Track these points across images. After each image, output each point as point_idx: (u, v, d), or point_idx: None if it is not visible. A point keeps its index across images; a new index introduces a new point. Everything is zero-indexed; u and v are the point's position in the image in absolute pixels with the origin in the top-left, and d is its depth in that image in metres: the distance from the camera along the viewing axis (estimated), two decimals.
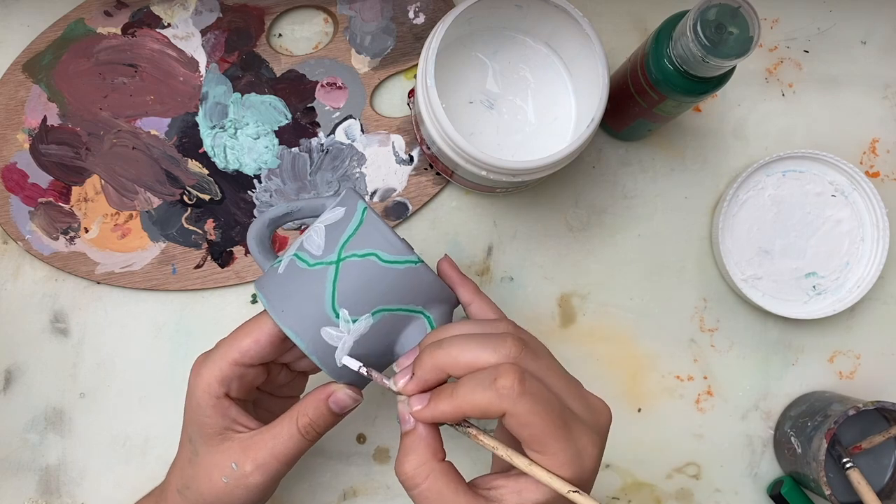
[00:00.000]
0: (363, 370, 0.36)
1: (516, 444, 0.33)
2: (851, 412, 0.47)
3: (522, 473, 0.32)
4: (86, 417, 0.51)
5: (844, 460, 0.49)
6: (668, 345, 0.54)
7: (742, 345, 0.54)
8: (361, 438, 0.52)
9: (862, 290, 0.52)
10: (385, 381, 0.35)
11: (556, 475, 0.31)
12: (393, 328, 0.37)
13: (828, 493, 0.47)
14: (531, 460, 0.32)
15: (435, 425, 0.34)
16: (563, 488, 0.31)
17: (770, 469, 0.54)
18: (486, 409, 0.31)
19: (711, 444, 0.54)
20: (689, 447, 0.54)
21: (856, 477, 0.49)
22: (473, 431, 0.34)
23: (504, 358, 0.32)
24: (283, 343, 0.39)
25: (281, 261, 0.39)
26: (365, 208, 0.38)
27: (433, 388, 0.34)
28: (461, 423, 0.34)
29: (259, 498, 0.40)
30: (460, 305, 0.41)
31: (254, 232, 0.42)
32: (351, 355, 0.37)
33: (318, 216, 0.41)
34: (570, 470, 0.31)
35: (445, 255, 0.42)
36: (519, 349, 0.32)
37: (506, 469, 0.34)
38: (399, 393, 0.34)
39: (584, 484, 0.32)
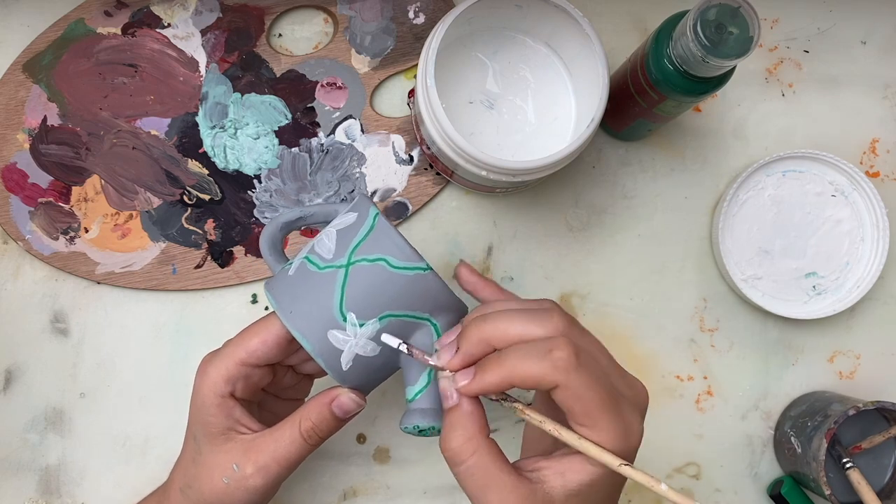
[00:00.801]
0: (403, 347, 0.36)
1: (559, 420, 0.33)
2: (851, 412, 0.47)
3: (565, 455, 0.32)
4: (86, 417, 0.51)
5: (844, 460, 0.49)
6: (668, 345, 0.54)
7: (742, 345, 0.54)
8: (361, 438, 0.52)
9: (862, 290, 0.52)
10: (427, 357, 0.35)
11: (607, 450, 0.31)
12: (399, 334, 0.37)
13: (828, 492, 0.47)
14: (581, 435, 0.31)
15: (479, 401, 0.34)
16: (614, 462, 0.31)
17: (770, 469, 0.54)
18: (539, 380, 0.31)
19: (711, 444, 0.54)
20: (689, 447, 0.54)
21: (856, 477, 0.49)
22: (520, 406, 0.33)
23: (554, 331, 0.32)
24: (290, 345, 0.39)
25: (291, 263, 0.39)
26: (377, 214, 0.38)
27: (476, 362, 0.33)
28: (505, 398, 0.34)
29: (259, 500, 0.40)
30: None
31: (266, 235, 0.42)
32: (355, 363, 0.37)
33: (329, 221, 0.41)
34: (619, 445, 0.31)
35: (462, 260, 0.42)
36: (567, 324, 0.32)
37: (546, 452, 0.34)
38: (442, 369, 0.34)
39: (630, 460, 0.32)
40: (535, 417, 0.33)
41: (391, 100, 0.54)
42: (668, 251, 0.54)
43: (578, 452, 0.32)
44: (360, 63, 0.53)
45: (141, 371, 0.52)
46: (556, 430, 0.32)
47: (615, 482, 0.33)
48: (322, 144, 0.52)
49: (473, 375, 0.33)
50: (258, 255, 0.52)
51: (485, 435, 0.33)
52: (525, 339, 0.32)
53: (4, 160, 0.51)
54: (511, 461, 0.33)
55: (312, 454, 0.51)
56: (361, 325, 0.37)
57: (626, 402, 0.32)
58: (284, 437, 0.38)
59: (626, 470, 0.30)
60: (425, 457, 0.52)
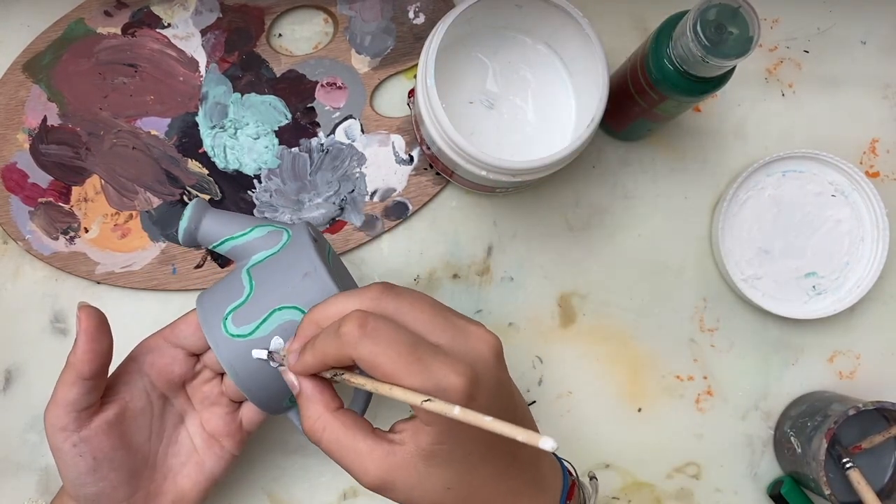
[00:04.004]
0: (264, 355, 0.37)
1: None
2: (851, 412, 0.47)
3: (415, 415, 0.32)
4: None
5: (844, 460, 0.49)
6: (668, 345, 0.54)
7: (742, 345, 0.54)
8: None
9: (862, 289, 0.52)
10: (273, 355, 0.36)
11: (412, 390, 0.30)
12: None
13: (828, 492, 0.47)
14: (392, 384, 0.31)
15: (321, 380, 0.34)
16: (417, 399, 0.29)
17: (770, 469, 0.54)
18: (339, 357, 0.31)
19: (711, 444, 0.54)
20: (689, 447, 0.54)
21: (856, 477, 0.49)
22: (346, 376, 0.33)
23: (364, 304, 0.32)
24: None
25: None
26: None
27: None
28: (335, 374, 0.34)
29: None
30: None
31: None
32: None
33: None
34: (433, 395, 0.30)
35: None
36: (379, 292, 0.33)
37: None
38: (281, 364, 0.35)
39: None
40: (358, 382, 0.32)
41: (391, 100, 0.54)
42: (668, 251, 0.54)
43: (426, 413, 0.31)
44: (360, 63, 0.53)
45: None
46: (373, 387, 0.31)
47: (472, 437, 0.32)
48: (322, 144, 0.52)
49: (298, 356, 0.33)
50: None
51: (331, 409, 0.33)
52: (340, 316, 0.32)
53: (4, 160, 0.51)
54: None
55: (313, 454, 0.51)
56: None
57: (439, 358, 0.31)
58: None
59: (428, 405, 0.29)
60: None
